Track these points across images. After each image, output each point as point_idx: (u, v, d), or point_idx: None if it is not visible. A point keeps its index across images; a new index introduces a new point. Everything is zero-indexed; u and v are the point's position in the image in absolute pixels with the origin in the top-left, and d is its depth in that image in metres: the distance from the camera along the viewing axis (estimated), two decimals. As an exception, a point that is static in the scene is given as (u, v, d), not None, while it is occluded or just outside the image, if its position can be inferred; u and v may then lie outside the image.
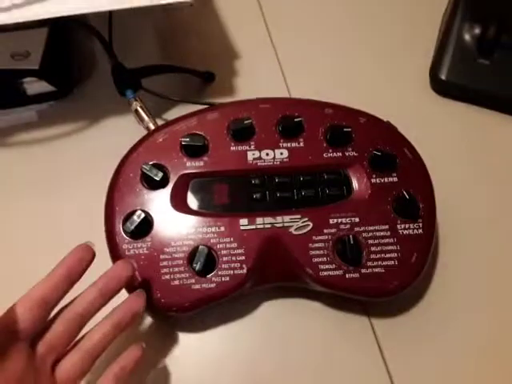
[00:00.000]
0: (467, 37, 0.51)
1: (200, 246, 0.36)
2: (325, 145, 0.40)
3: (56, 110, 0.50)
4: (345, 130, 0.39)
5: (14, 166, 0.46)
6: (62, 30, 0.49)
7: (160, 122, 0.45)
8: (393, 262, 0.36)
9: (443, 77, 0.50)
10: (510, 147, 0.48)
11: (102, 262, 0.34)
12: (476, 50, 0.50)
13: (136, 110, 0.44)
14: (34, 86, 0.48)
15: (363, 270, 0.36)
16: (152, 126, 0.43)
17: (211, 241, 0.36)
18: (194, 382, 0.37)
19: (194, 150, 0.39)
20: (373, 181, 0.39)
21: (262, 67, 0.53)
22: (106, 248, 0.37)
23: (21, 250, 0.42)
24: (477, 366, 0.38)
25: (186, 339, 0.38)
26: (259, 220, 0.37)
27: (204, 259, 0.35)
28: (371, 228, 0.37)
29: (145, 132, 0.43)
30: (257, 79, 0.52)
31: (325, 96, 0.43)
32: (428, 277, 0.41)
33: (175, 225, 0.37)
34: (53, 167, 0.46)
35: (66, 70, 0.50)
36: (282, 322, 0.39)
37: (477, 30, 0.51)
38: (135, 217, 0.36)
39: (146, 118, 0.43)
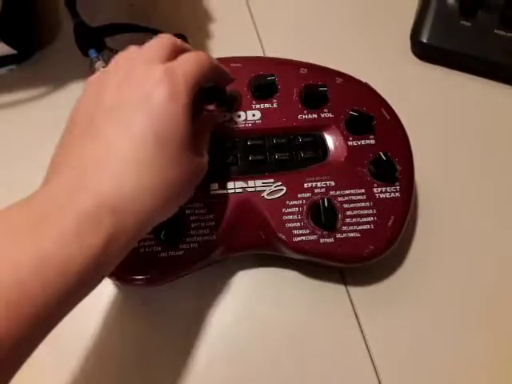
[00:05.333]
0: (449, -3, 0.49)
1: (166, 212, 0.34)
2: (299, 106, 0.38)
3: (17, 74, 0.47)
4: (320, 89, 0.37)
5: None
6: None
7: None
8: (369, 226, 0.35)
9: (424, 39, 0.48)
10: (489, 111, 0.46)
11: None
12: (458, 11, 0.48)
13: (97, 70, 0.41)
14: (-8, 48, 0.45)
15: (338, 235, 0.35)
16: (117, 88, 0.41)
17: (179, 206, 0.34)
18: (165, 354, 0.36)
19: (161, 112, 0.36)
20: (349, 143, 0.37)
21: (236, 28, 0.50)
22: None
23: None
24: (454, 332, 0.37)
25: (155, 312, 0.37)
26: (230, 184, 0.35)
27: (170, 225, 0.33)
28: (347, 192, 0.35)
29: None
30: (230, 41, 0.49)
31: (300, 58, 0.41)
32: (405, 242, 0.39)
33: (140, 190, 0.35)
34: (13, 136, 0.43)
35: (27, 31, 0.47)
36: (257, 291, 0.38)
37: (459, -11, 0.49)
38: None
39: (110, 79, 0.41)
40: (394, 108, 0.39)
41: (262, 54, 0.49)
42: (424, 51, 0.49)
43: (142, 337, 0.36)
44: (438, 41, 0.49)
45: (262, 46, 0.49)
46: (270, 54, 0.49)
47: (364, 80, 0.40)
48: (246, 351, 0.36)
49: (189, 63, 0.29)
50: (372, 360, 0.36)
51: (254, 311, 0.37)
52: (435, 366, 0.36)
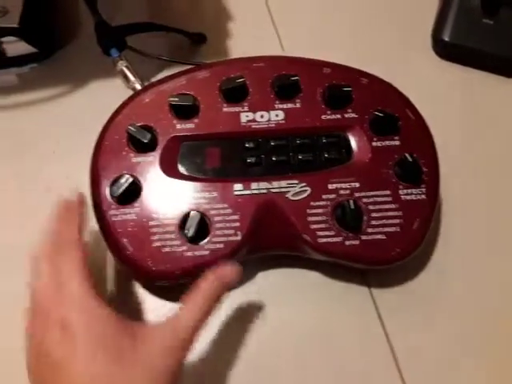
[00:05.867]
0: (471, -5, 0.49)
1: (192, 212, 0.34)
2: (323, 106, 0.37)
3: (38, 72, 0.47)
4: (344, 89, 0.37)
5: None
6: (42, -15, 0.46)
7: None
8: (394, 228, 0.35)
9: (446, 38, 0.48)
10: (513, 110, 0.46)
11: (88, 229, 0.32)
12: (480, 9, 0.48)
13: (121, 70, 0.41)
14: (14, 47, 0.45)
15: (363, 237, 0.34)
16: (139, 87, 0.41)
17: (203, 206, 0.34)
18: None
19: (184, 111, 0.36)
20: (374, 144, 0.36)
21: (255, 27, 0.50)
22: (93, 214, 0.35)
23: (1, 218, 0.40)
24: (479, 333, 0.37)
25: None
26: (254, 185, 0.35)
27: (196, 225, 0.33)
28: (372, 193, 0.35)
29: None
30: (250, 41, 0.49)
31: (320, 57, 0.40)
32: (427, 244, 0.39)
33: (165, 190, 0.35)
34: (34, 132, 0.44)
35: (49, 30, 0.47)
36: (279, 292, 0.38)
37: (482, -12, 0.48)
38: (122, 181, 0.34)
39: (132, 78, 0.41)
40: (414, 107, 0.39)
41: (281, 53, 0.48)
42: (446, 50, 0.49)
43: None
44: (460, 39, 0.48)
45: (281, 45, 0.49)
46: (289, 53, 0.48)
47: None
48: (267, 352, 0.36)
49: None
50: (396, 361, 0.36)
51: (275, 312, 0.37)
52: (459, 368, 0.35)
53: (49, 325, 0.28)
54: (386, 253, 0.34)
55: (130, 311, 0.37)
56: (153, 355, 0.28)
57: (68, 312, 0.28)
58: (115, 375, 0.27)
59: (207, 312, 0.30)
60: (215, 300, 0.30)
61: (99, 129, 0.37)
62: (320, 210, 0.35)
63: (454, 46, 0.48)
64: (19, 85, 0.46)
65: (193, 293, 0.30)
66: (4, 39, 0.44)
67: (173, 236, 0.34)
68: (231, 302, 0.37)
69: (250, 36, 0.49)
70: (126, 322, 0.29)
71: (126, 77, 0.41)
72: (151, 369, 0.27)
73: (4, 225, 0.40)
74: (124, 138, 0.36)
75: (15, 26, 0.42)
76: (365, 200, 0.35)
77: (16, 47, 0.45)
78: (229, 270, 0.32)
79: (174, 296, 0.36)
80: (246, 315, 0.37)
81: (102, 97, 0.44)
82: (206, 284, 0.30)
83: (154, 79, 0.45)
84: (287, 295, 0.38)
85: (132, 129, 0.35)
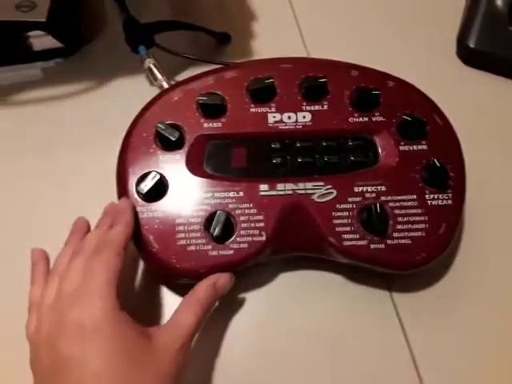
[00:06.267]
0: (498, 2, 0.48)
1: (218, 211, 0.34)
2: (350, 109, 0.37)
3: (63, 68, 0.47)
4: (373, 92, 0.37)
5: (17, 126, 0.44)
6: (70, -19, 0.46)
7: (173, 83, 0.42)
8: (420, 233, 0.34)
9: (471, 45, 0.48)
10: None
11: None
12: (507, 16, 0.48)
13: (149, 68, 0.41)
14: (41, 41, 0.45)
15: (389, 241, 0.34)
16: (166, 85, 0.41)
17: (229, 206, 0.34)
18: (204, 352, 0.36)
19: (212, 110, 0.36)
20: (401, 148, 0.36)
21: (280, 29, 0.50)
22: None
23: (26, 213, 0.40)
24: (503, 342, 0.36)
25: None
26: (280, 186, 0.35)
27: (222, 224, 0.33)
28: (398, 197, 0.35)
29: (157, 92, 0.41)
30: (274, 41, 0.49)
31: (344, 58, 0.40)
32: (451, 249, 0.39)
33: (191, 188, 0.35)
34: (58, 128, 0.44)
35: (75, 26, 0.48)
36: (299, 294, 0.38)
37: (509, -5, 0.48)
38: (149, 178, 0.34)
39: (159, 76, 0.41)
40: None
41: (305, 55, 0.48)
42: (470, 56, 0.49)
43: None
44: (485, 46, 0.48)
45: (305, 47, 0.49)
46: (313, 54, 0.48)
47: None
48: (285, 353, 0.36)
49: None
50: (417, 369, 0.35)
51: (295, 314, 0.37)
52: (484, 376, 0.35)
53: (66, 321, 0.28)
54: (411, 257, 0.34)
55: (150, 307, 0.37)
56: (162, 359, 0.29)
57: (87, 312, 0.28)
58: (129, 378, 0.27)
59: (202, 317, 0.32)
60: (209, 306, 0.33)
61: (122, 125, 0.37)
62: (345, 213, 0.35)
63: (479, 53, 0.48)
64: (44, 79, 0.46)
65: (188, 298, 0.32)
66: (31, 33, 0.44)
67: (198, 234, 0.34)
68: (251, 302, 0.37)
69: (273, 36, 0.49)
70: (140, 327, 0.30)
71: (153, 74, 0.41)
72: (163, 372, 0.29)
73: (22, 225, 0.40)
74: (151, 136, 0.36)
75: (43, 20, 0.43)
76: (391, 204, 0.35)
77: (42, 41, 0.45)
78: (223, 278, 0.33)
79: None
80: (266, 316, 0.37)
81: (126, 93, 0.45)
82: (202, 290, 0.32)
83: (178, 77, 0.45)
84: (307, 297, 0.38)
85: (161, 126, 0.35)
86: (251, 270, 0.37)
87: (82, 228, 0.35)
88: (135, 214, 0.34)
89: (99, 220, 0.34)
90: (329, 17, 0.51)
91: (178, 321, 0.31)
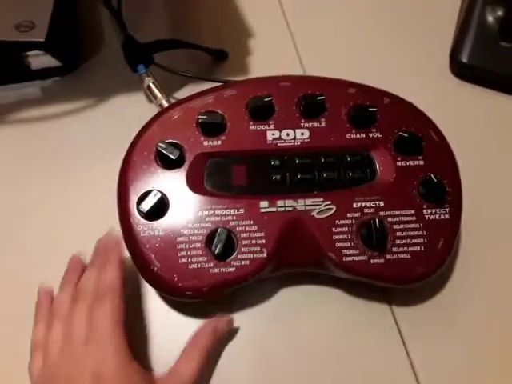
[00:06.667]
0: (489, 18, 0.50)
1: (219, 229, 0.34)
2: (348, 125, 0.38)
3: (61, 86, 0.47)
4: (370, 109, 0.37)
5: (16, 144, 0.44)
6: (68, 0, 0.47)
7: (172, 101, 0.43)
8: (419, 247, 0.35)
9: (464, 60, 0.49)
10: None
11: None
12: (498, 32, 0.49)
13: (148, 87, 0.42)
14: (39, 61, 0.46)
15: (388, 256, 0.35)
16: (165, 104, 0.41)
17: (230, 223, 0.35)
18: (206, 368, 0.36)
19: (212, 128, 0.37)
20: (398, 164, 0.37)
21: (276, 46, 0.51)
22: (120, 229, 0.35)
23: (27, 230, 0.40)
24: (502, 352, 0.37)
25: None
26: (280, 203, 0.36)
27: (224, 242, 0.33)
28: (396, 212, 0.36)
29: (155, 110, 0.41)
30: (270, 58, 0.50)
31: (339, 76, 0.41)
32: (451, 262, 0.39)
33: (192, 206, 0.35)
34: (57, 146, 0.44)
35: (73, 45, 0.48)
36: (300, 309, 0.38)
37: (499, 12, 0.49)
38: (151, 197, 0.34)
39: (159, 94, 0.41)
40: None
41: (301, 72, 0.49)
42: (463, 71, 0.50)
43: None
44: (478, 61, 0.49)
45: (301, 64, 0.50)
46: (309, 71, 0.49)
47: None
48: (287, 368, 0.36)
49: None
50: (417, 380, 0.36)
51: (296, 328, 0.37)
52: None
53: (82, 371, 0.29)
54: (410, 272, 0.35)
55: (153, 327, 0.37)
56: None
57: (102, 362, 0.29)
58: None
59: (203, 363, 0.33)
60: (210, 352, 0.34)
61: (121, 144, 0.37)
62: (345, 229, 0.35)
63: (472, 68, 0.49)
64: (42, 98, 0.47)
65: (190, 346, 0.33)
66: (29, 52, 0.45)
67: (199, 252, 0.34)
68: (252, 319, 0.37)
69: (270, 53, 0.50)
70: (148, 375, 0.31)
71: (152, 93, 0.42)
72: None
73: (23, 242, 0.40)
74: (152, 154, 0.36)
75: (42, 40, 0.43)
76: (389, 219, 0.35)
77: (41, 60, 0.46)
78: (222, 323, 0.35)
79: (198, 312, 0.37)
80: (267, 332, 0.37)
81: (125, 111, 0.45)
82: (202, 337, 0.34)
83: (176, 95, 0.46)
84: (307, 311, 0.38)
85: (162, 145, 0.35)
86: (252, 285, 0.37)
87: (77, 266, 0.36)
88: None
89: (91, 259, 0.36)
90: (325, 34, 0.52)
91: (180, 370, 0.32)
